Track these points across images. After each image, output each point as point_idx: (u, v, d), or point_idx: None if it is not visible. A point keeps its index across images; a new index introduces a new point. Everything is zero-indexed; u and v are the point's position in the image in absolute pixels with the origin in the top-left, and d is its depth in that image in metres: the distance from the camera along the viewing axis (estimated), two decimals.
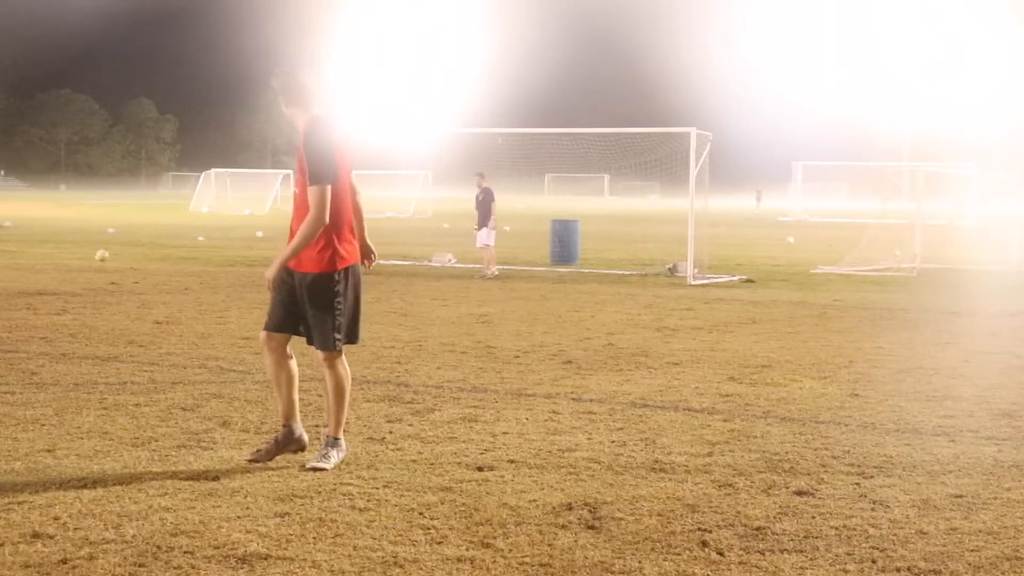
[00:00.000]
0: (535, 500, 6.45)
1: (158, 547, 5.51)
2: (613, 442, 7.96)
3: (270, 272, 7.06)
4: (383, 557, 5.45)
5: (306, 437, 7.31)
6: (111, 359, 11.39)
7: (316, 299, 6.99)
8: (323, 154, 6.92)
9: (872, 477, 7.10)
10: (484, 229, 23.41)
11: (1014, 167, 40.22)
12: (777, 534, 5.90)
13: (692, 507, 6.35)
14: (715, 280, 22.92)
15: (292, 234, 7.00)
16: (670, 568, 5.37)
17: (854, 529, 6.01)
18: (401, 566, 5.33)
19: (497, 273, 23.32)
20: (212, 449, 7.55)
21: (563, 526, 5.99)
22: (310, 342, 7.15)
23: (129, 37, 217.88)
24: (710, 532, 5.91)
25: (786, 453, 7.69)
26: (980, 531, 6.02)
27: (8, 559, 5.33)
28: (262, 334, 7.21)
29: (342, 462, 7.16)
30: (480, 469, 7.14)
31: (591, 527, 5.98)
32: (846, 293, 20.34)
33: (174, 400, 9.20)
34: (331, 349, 7.04)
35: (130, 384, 9.97)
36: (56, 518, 5.94)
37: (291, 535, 5.75)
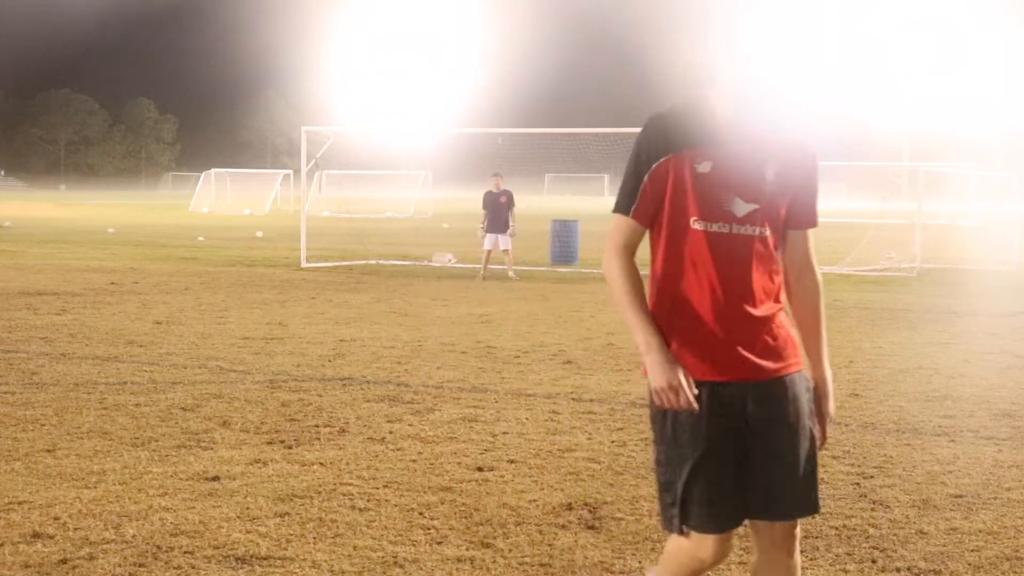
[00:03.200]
0: (535, 500, 6.45)
1: (158, 547, 5.52)
2: (613, 442, 7.96)
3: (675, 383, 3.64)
4: (383, 557, 5.45)
5: None
6: (111, 359, 11.39)
7: (799, 418, 3.71)
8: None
9: (872, 477, 7.10)
10: (504, 235, 23.16)
11: (1014, 167, 40.21)
12: None
13: None
14: None
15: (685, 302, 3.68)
16: None
17: (854, 529, 6.01)
18: (401, 566, 5.34)
19: (514, 275, 23.17)
20: (212, 449, 7.55)
21: (563, 526, 5.99)
22: (761, 514, 3.71)
23: (129, 37, 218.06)
24: None
25: None
26: (980, 531, 6.02)
27: (8, 559, 5.33)
28: (700, 543, 3.68)
29: None
30: (480, 469, 7.14)
31: (591, 527, 5.98)
32: (846, 293, 20.33)
33: (174, 400, 9.20)
34: (816, 510, 3.81)
35: (130, 384, 9.97)
36: (56, 518, 5.94)
37: (291, 535, 5.75)
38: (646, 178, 3.63)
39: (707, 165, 3.58)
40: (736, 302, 3.61)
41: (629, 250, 3.73)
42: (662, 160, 3.61)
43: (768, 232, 3.65)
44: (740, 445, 3.64)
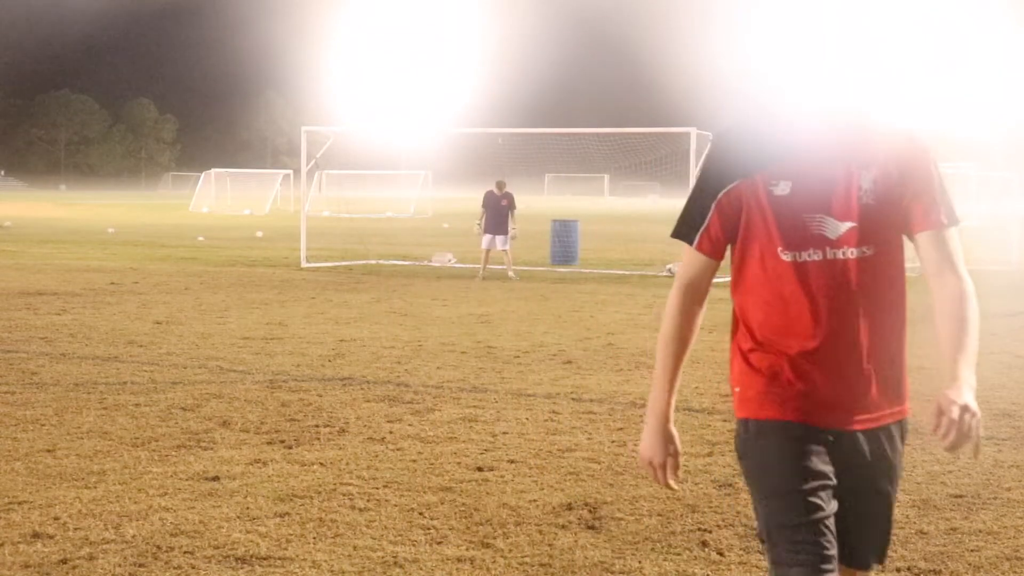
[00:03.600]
0: (535, 500, 6.45)
1: (158, 547, 5.52)
2: (613, 442, 7.96)
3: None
4: (383, 557, 5.45)
5: None
6: (111, 359, 11.39)
7: (888, 474, 3.38)
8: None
9: None
10: (502, 236, 23.25)
11: (1014, 167, 40.21)
12: None
13: (692, 507, 6.35)
14: (715, 280, 22.91)
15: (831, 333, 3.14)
16: (670, 568, 5.37)
17: None
18: (401, 566, 5.34)
19: (514, 275, 23.21)
20: (212, 449, 7.55)
21: (563, 526, 5.99)
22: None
23: (129, 37, 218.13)
24: (710, 532, 5.91)
25: None
26: (980, 531, 6.02)
27: (8, 559, 5.33)
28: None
29: None
30: (480, 469, 7.14)
31: (591, 527, 5.98)
32: None
33: (174, 400, 9.20)
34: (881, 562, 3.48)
35: (130, 384, 9.97)
36: (56, 518, 5.94)
37: (291, 535, 5.75)
38: (712, 209, 3.15)
39: (785, 186, 3.10)
40: (836, 340, 3.10)
41: (693, 288, 3.25)
42: (730, 187, 3.12)
43: (874, 250, 3.12)
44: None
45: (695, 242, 3.19)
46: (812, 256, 3.10)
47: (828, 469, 3.13)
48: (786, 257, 3.11)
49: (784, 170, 3.11)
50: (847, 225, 3.10)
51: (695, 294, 3.25)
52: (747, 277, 3.19)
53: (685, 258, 3.24)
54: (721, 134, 3.19)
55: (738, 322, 3.26)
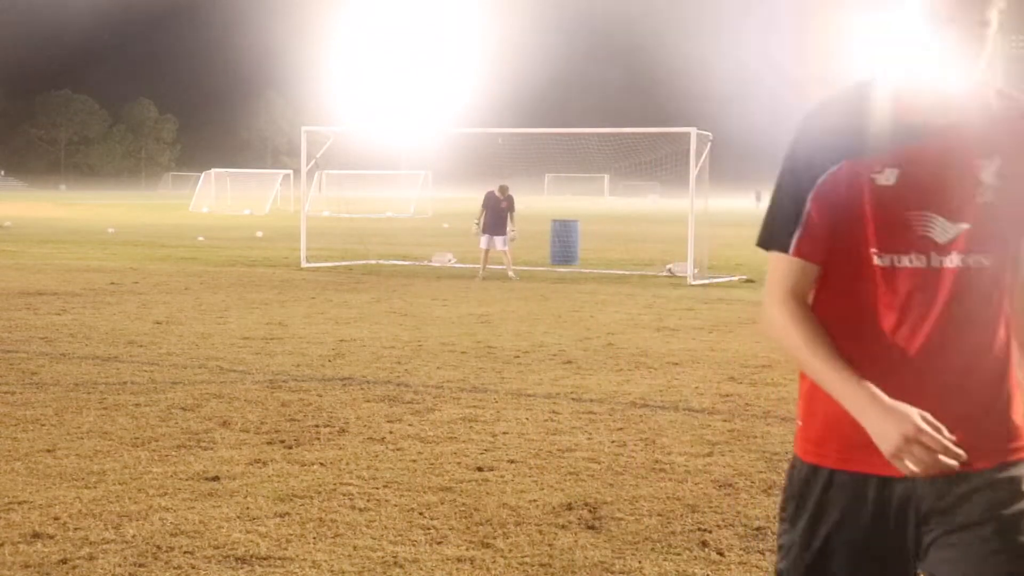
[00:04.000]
0: (535, 500, 6.45)
1: (158, 547, 5.52)
2: (613, 442, 7.96)
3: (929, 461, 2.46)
4: (383, 557, 5.45)
5: None
6: (111, 359, 11.39)
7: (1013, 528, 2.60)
8: None
9: None
10: (500, 237, 23.27)
11: None
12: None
13: (692, 507, 6.35)
14: (715, 280, 22.93)
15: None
16: (670, 568, 5.37)
17: None
18: (401, 566, 5.34)
19: (514, 275, 23.21)
20: (212, 449, 7.55)
21: (563, 526, 5.99)
22: None
23: (129, 37, 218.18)
24: (710, 532, 5.91)
25: (786, 453, 7.69)
26: None
27: (8, 559, 5.33)
28: None
29: None
30: (480, 469, 7.14)
31: (591, 527, 5.98)
32: None
33: (174, 400, 9.20)
34: None
35: (130, 384, 9.98)
36: (56, 518, 5.94)
37: (291, 535, 5.75)
38: (810, 199, 2.53)
39: (891, 174, 2.51)
40: (938, 365, 2.54)
41: (798, 298, 2.60)
42: (831, 171, 2.52)
43: (989, 260, 2.55)
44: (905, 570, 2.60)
45: (792, 247, 2.56)
46: (912, 263, 2.53)
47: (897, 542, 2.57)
48: (880, 262, 2.54)
49: (891, 156, 2.52)
50: (960, 227, 2.53)
51: (800, 300, 2.60)
52: (827, 287, 2.62)
53: (781, 269, 2.60)
54: (814, 111, 2.60)
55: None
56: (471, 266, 25.00)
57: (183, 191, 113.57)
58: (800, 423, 2.72)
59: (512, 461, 7.35)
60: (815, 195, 2.54)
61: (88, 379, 10.18)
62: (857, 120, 2.55)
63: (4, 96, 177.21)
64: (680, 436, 8.18)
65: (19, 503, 6.21)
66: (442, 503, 6.37)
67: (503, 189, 23.57)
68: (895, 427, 2.41)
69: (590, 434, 8.21)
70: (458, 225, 44.80)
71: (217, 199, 72.03)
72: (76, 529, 5.77)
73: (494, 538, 5.76)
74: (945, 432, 2.41)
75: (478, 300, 18.30)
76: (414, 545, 5.64)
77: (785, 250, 2.57)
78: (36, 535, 5.67)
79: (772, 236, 2.60)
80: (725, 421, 8.74)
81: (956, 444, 2.40)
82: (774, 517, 6.19)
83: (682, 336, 14.00)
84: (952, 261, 2.53)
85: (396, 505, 6.31)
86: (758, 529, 5.97)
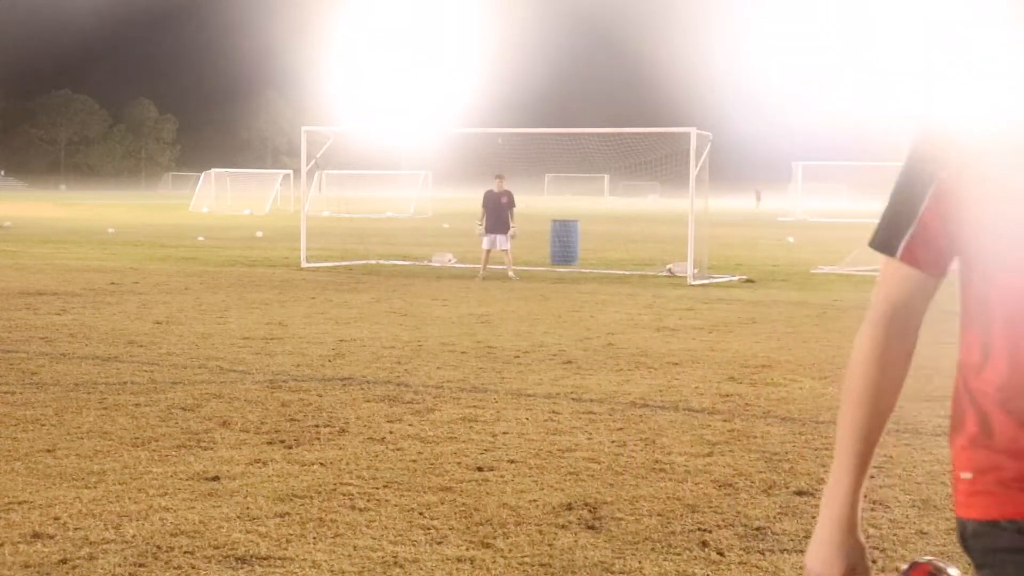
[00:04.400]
0: (535, 500, 6.46)
1: (158, 547, 5.52)
2: (613, 442, 7.96)
3: None
4: (383, 557, 5.45)
5: None
6: (111, 359, 11.39)
7: None
8: None
9: (872, 477, 7.10)
10: (503, 235, 23.20)
11: None
12: (777, 534, 5.90)
13: (692, 507, 6.35)
14: (715, 280, 22.93)
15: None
16: (670, 568, 5.37)
17: None
18: (401, 566, 5.34)
19: (514, 275, 23.20)
20: (212, 449, 7.56)
21: (563, 526, 6.00)
22: None
23: (129, 37, 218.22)
24: (710, 532, 5.91)
25: (786, 453, 7.69)
26: None
27: (8, 559, 5.33)
28: None
29: None
30: (480, 469, 7.14)
31: (591, 527, 5.99)
32: (846, 293, 20.33)
33: (174, 400, 9.20)
34: None
35: (130, 384, 9.98)
36: (56, 518, 5.94)
37: (291, 535, 5.75)
38: (927, 200, 2.09)
39: None
40: None
41: (901, 316, 2.20)
42: (955, 168, 2.06)
43: None
44: None
45: (899, 250, 2.13)
46: None
47: None
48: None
49: None
50: None
51: (903, 328, 2.20)
52: (967, 306, 2.20)
53: (888, 275, 2.18)
54: (942, 98, 2.17)
55: (959, 369, 2.27)
56: (471, 266, 24.99)
57: (183, 191, 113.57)
58: (966, 476, 2.29)
59: (512, 461, 7.35)
60: (935, 194, 2.11)
61: (88, 379, 10.18)
62: (992, 105, 2.14)
63: (4, 96, 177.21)
64: (680, 436, 8.18)
65: (19, 503, 6.21)
66: (442, 503, 6.37)
67: (499, 181, 23.51)
68: (820, 562, 2.15)
69: (590, 434, 8.22)
70: (458, 225, 44.80)
71: (217, 199, 72.02)
72: (76, 529, 5.78)
73: (494, 538, 5.77)
74: None
75: (478, 300, 18.29)
76: (414, 545, 5.64)
77: (891, 253, 2.17)
78: (36, 535, 5.67)
79: (880, 236, 2.18)
80: (725, 421, 8.74)
81: None
82: (774, 517, 6.20)
83: (682, 336, 14.00)
84: None
85: (396, 505, 6.31)
86: (758, 529, 5.97)
